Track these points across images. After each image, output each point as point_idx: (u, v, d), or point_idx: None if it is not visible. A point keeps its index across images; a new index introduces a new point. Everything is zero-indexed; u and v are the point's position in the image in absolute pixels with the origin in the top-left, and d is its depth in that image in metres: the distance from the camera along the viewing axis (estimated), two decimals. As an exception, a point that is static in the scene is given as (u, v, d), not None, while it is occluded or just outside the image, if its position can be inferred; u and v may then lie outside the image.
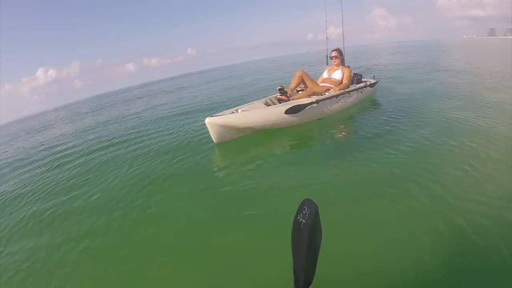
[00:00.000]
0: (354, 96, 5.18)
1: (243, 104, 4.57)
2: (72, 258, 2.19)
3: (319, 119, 4.57)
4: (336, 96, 4.74)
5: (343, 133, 4.12)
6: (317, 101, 4.33)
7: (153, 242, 2.19)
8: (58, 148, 6.67)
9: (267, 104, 4.59)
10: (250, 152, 3.75)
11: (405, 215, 2.02)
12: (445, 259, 1.58)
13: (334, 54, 5.25)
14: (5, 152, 8.66)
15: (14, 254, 2.42)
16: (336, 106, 4.81)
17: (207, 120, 3.74)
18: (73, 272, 2.05)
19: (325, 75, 5.39)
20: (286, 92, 4.61)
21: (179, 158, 3.83)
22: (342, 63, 5.36)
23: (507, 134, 3.26)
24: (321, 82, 5.26)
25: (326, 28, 6.31)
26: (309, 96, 4.71)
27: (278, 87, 4.65)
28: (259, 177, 2.91)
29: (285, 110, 4.04)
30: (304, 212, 0.72)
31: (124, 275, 1.90)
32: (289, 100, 4.50)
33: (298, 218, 0.73)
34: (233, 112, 4.03)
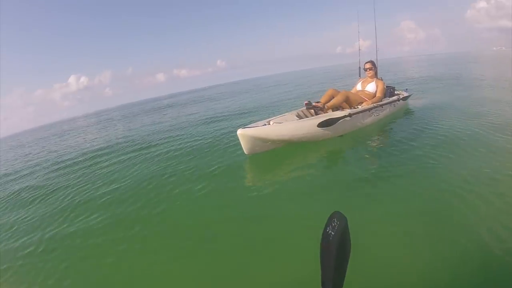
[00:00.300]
0: (387, 110, 5.07)
1: (275, 116, 4.54)
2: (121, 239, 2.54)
3: (352, 132, 4.48)
4: (370, 109, 4.66)
5: (376, 147, 3.99)
6: (350, 115, 4.25)
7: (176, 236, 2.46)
8: (99, 152, 7.04)
9: (299, 117, 4.55)
10: (281, 164, 3.73)
11: (438, 233, 1.94)
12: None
13: (368, 66, 5.20)
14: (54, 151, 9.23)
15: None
16: (369, 119, 4.71)
17: (239, 132, 3.73)
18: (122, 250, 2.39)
19: (358, 87, 5.32)
20: (313, 106, 4.54)
21: (212, 166, 3.91)
22: (376, 75, 5.28)
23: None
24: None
25: (358, 40, 6.31)
26: (343, 103, 4.66)
27: (305, 102, 4.57)
28: (288, 190, 2.92)
29: (318, 123, 3.97)
30: (333, 224, 0.72)
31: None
32: (323, 109, 4.46)
33: (327, 230, 0.72)
34: (265, 124, 3.99)
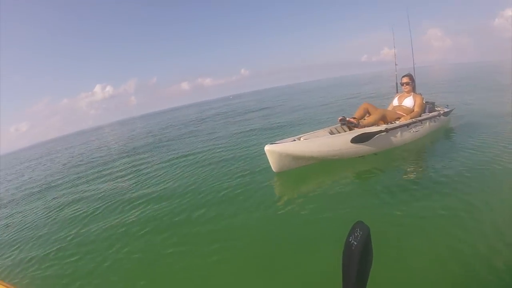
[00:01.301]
0: (427, 126, 4.71)
1: (306, 132, 4.36)
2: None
3: (388, 149, 4.19)
4: (408, 125, 4.33)
5: (414, 168, 3.70)
6: (386, 130, 3.99)
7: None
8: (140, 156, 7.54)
9: (332, 133, 4.35)
10: (310, 183, 3.56)
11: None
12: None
13: (405, 80, 4.89)
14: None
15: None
16: (407, 136, 4.38)
17: (267, 148, 3.60)
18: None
19: (395, 102, 5.04)
20: (347, 122, 4.32)
21: (236, 185, 3.85)
22: (414, 89, 4.98)
23: None
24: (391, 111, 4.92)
25: (395, 55, 5.81)
26: (379, 121, 4.35)
27: (339, 118, 4.37)
28: (316, 209, 2.86)
29: (351, 138, 3.75)
30: (356, 234, 0.72)
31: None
32: (358, 126, 4.21)
33: (350, 240, 0.72)
34: (294, 140, 3.83)
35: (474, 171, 3.19)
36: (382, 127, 4.04)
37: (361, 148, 3.89)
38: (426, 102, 5.22)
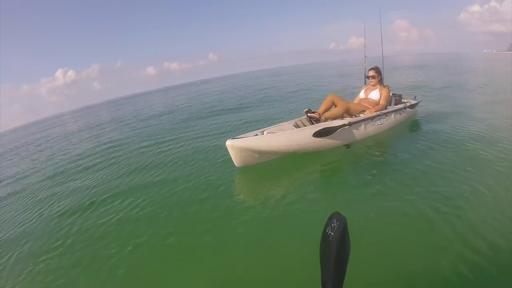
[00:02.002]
0: (392, 118, 4.71)
1: (271, 125, 4.23)
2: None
3: (352, 143, 4.17)
4: (372, 118, 4.31)
5: (377, 160, 3.70)
6: (350, 123, 3.96)
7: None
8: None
9: (297, 126, 4.23)
10: (275, 178, 3.50)
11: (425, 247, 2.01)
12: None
13: (371, 73, 4.83)
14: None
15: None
16: (372, 128, 4.37)
17: (228, 143, 3.48)
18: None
19: (361, 95, 4.97)
20: (308, 117, 4.23)
21: (196, 180, 3.67)
22: (380, 82, 4.92)
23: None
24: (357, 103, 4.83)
25: (365, 48, 5.74)
26: (344, 114, 4.33)
27: (305, 110, 4.28)
28: (282, 206, 2.78)
29: (313, 132, 3.70)
30: (332, 225, 0.72)
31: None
32: (320, 120, 4.13)
33: (327, 231, 0.72)
34: (256, 134, 3.73)
35: (435, 163, 3.30)
36: (346, 120, 4.00)
37: (324, 142, 3.85)
38: (393, 94, 5.20)
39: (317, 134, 3.71)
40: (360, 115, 4.38)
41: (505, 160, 3.21)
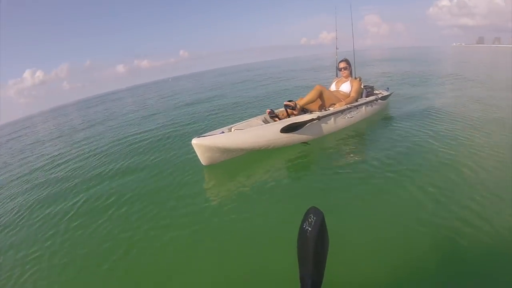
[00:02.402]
0: (363, 111, 4.67)
1: (240, 121, 4.12)
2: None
3: (322, 136, 4.10)
4: (342, 111, 4.25)
5: (348, 153, 3.67)
6: (318, 118, 3.89)
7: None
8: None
9: (266, 122, 4.13)
10: (244, 174, 3.36)
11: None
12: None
13: (342, 65, 4.76)
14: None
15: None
16: (342, 122, 4.31)
17: (194, 142, 3.35)
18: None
19: (332, 87, 4.90)
20: (293, 106, 4.12)
21: (161, 177, 3.58)
22: (351, 74, 4.88)
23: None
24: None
25: (336, 40, 5.67)
26: (316, 105, 4.28)
27: (285, 102, 4.16)
28: (250, 204, 2.68)
29: (280, 128, 3.62)
30: (310, 220, 0.72)
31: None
32: (296, 109, 4.08)
33: (304, 226, 0.71)
34: (222, 132, 3.62)
35: (404, 154, 3.32)
36: (314, 115, 3.93)
37: (293, 137, 3.78)
38: (364, 86, 5.17)
39: (284, 130, 3.63)
40: (330, 108, 4.31)
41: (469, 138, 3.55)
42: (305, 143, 3.92)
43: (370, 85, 5.41)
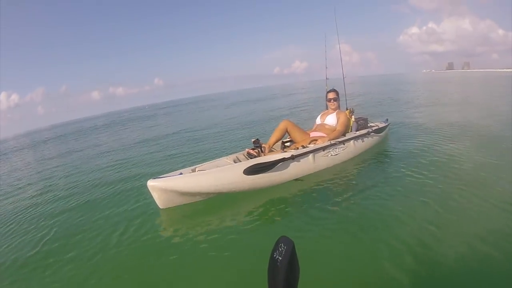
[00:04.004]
0: (352, 146, 4.11)
1: (209, 160, 3.78)
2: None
3: (300, 177, 3.56)
4: (324, 148, 3.72)
5: (326, 200, 3.09)
6: (292, 156, 3.40)
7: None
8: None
9: (237, 161, 3.67)
10: (204, 218, 3.04)
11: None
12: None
13: (331, 96, 4.32)
14: None
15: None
16: (324, 160, 3.76)
17: (149, 184, 3.01)
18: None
19: (318, 121, 4.41)
20: (260, 147, 3.74)
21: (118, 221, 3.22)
22: (339, 107, 4.41)
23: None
24: (313, 131, 4.25)
25: (326, 68, 5.21)
26: (294, 144, 3.91)
27: (253, 140, 3.78)
28: (216, 245, 2.47)
29: (243, 170, 3.15)
30: (280, 249, 0.70)
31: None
32: (260, 155, 3.62)
33: (274, 255, 0.69)
34: (181, 173, 3.23)
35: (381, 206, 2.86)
36: (287, 154, 3.44)
37: (261, 179, 3.28)
38: (359, 118, 4.67)
39: (248, 172, 3.15)
40: (310, 145, 3.82)
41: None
42: (298, 179, 3.51)
43: (363, 116, 4.86)
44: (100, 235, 2.93)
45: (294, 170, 3.50)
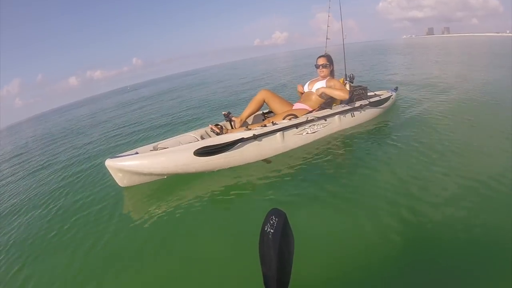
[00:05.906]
0: (336, 123, 3.59)
1: (174, 135, 3.61)
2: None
3: (266, 160, 3.22)
4: (297, 125, 3.30)
5: (298, 177, 2.82)
6: (254, 136, 3.05)
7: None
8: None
9: (203, 138, 3.45)
10: (167, 197, 2.92)
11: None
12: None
13: (321, 61, 3.74)
14: None
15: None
16: (298, 139, 3.35)
17: (107, 163, 2.98)
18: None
19: (305, 88, 3.87)
20: (230, 120, 3.56)
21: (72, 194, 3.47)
22: (331, 74, 3.81)
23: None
24: (299, 101, 3.78)
25: (327, 34, 4.56)
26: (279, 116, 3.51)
27: (224, 112, 3.60)
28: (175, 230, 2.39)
29: (194, 151, 2.90)
30: (271, 222, 0.69)
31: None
32: (223, 132, 3.43)
33: (266, 228, 0.69)
34: (137, 152, 3.12)
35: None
36: (248, 133, 3.09)
37: (218, 160, 3.03)
38: (357, 86, 4.01)
39: (199, 153, 2.90)
40: (284, 121, 3.41)
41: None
42: (266, 160, 3.21)
43: (362, 85, 4.13)
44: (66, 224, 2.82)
45: (259, 150, 3.17)
